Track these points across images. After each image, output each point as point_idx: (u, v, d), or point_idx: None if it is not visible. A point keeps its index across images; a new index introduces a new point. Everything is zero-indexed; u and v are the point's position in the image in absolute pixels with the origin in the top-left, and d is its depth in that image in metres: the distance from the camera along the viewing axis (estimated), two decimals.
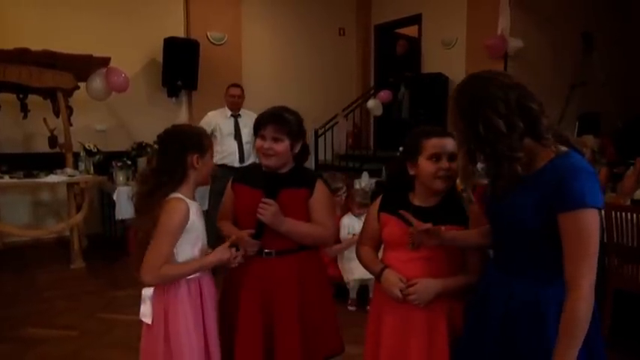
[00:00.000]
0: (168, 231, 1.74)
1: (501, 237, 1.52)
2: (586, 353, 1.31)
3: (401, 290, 1.68)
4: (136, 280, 1.81)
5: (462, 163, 1.45)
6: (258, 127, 1.96)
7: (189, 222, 1.77)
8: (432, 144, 1.72)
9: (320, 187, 1.97)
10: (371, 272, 1.86)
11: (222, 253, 1.82)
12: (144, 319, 1.82)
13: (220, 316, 1.99)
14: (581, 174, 1.30)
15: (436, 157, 1.71)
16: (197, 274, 1.82)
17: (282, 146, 1.91)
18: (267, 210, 1.83)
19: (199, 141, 1.84)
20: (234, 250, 1.84)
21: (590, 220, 1.29)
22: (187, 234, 1.79)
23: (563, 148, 1.38)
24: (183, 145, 1.81)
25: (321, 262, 2.12)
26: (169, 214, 1.74)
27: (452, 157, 1.69)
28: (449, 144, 1.71)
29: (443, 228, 1.68)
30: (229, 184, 2.09)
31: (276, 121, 1.92)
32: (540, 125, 1.36)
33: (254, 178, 1.99)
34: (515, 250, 1.45)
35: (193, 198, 1.86)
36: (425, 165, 1.73)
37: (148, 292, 1.82)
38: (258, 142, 1.95)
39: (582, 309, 1.27)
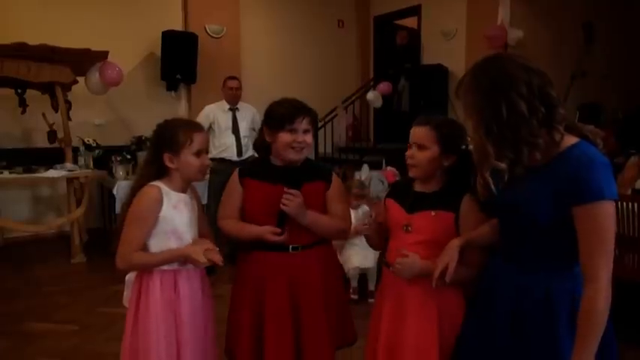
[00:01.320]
0: (134, 216, 1.73)
1: (511, 230, 1.48)
2: (599, 348, 1.29)
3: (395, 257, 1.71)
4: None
5: (477, 144, 1.38)
6: (285, 122, 1.87)
7: (161, 212, 1.74)
8: (410, 132, 1.76)
9: (336, 180, 1.99)
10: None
11: (201, 243, 1.79)
12: (125, 304, 1.83)
13: (240, 310, 1.97)
14: (597, 165, 1.27)
15: (409, 145, 1.75)
16: (173, 267, 1.79)
17: (311, 137, 1.92)
18: (293, 201, 1.81)
19: (172, 140, 1.76)
20: (212, 252, 1.77)
21: (607, 212, 1.27)
22: (158, 225, 1.75)
23: (575, 139, 1.35)
24: (157, 145, 1.80)
25: (335, 255, 2.13)
26: (137, 199, 1.74)
27: (420, 145, 1.71)
28: (418, 133, 1.73)
29: (433, 213, 1.69)
30: (235, 179, 1.99)
31: (309, 112, 1.91)
32: (557, 114, 1.33)
33: (268, 172, 1.94)
34: (526, 243, 1.43)
35: (182, 190, 1.83)
36: None
37: (130, 277, 1.83)
38: (287, 136, 1.86)
39: (601, 302, 1.25)
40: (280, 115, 1.90)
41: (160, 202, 1.74)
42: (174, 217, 1.78)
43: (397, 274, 1.69)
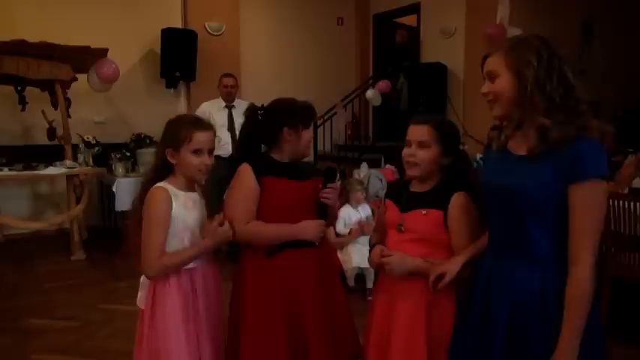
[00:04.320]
0: (151, 221, 1.73)
1: (503, 219, 1.49)
2: (586, 340, 1.32)
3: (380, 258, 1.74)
4: (136, 271, 1.82)
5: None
6: (310, 120, 1.98)
7: (172, 211, 1.74)
8: (408, 131, 1.77)
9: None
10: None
11: (223, 231, 1.79)
12: (140, 305, 1.83)
13: (237, 307, 1.96)
14: (594, 147, 1.34)
15: (408, 144, 1.76)
16: (188, 266, 1.79)
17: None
18: (333, 193, 1.93)
19: (173, 135, 1.78)
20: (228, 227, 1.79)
21: (602, 191, 1.34)
22: (171, 226, 1.75)
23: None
24: (162, 140, 1.82)
25: (336, 259, 2.14)
26: (148, 204, 1.74)
27: (422, 144, 1.72)
28: (419, 131, 1.73)
29: (424, 212, 1.72)
30: (252, 179, 1.86)
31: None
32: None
33: (293, 170, 1.94)
34: (518, 233, 1.43)
35: (188, 189, 1.82)
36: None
37: (145, 278, 1.82)
38: (308, 134, 1.97)
39: (588, 282, 1.31)
40: (305, 115, 2.02)
41: (169, 202, 1.74)
42: (185, 216, 1.78)
43: (388, 273, 1.73)
